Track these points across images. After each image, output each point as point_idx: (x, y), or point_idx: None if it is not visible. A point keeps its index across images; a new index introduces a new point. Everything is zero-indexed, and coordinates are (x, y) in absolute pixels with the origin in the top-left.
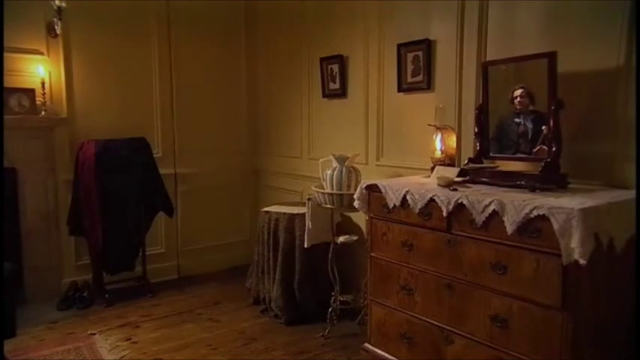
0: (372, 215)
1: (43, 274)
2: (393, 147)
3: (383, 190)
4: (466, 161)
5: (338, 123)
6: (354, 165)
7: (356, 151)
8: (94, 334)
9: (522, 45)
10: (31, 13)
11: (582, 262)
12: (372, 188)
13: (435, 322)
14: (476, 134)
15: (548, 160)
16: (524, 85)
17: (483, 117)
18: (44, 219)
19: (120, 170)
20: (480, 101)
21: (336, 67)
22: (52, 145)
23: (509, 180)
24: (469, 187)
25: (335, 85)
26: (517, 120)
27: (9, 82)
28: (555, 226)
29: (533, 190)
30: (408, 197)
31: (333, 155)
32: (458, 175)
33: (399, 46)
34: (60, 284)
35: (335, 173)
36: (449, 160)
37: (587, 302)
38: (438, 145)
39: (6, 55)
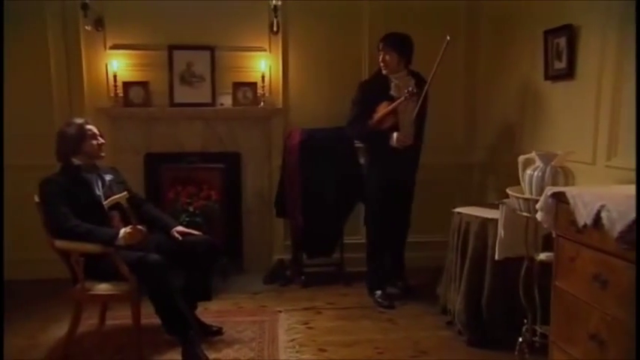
0: (558, 233)
1: (257, 248)
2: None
3: (571, 202)
4: None
5: (561, 111)
6: (566, 165)
7: (581, 146)
8: (281, 311)
9: None
10: (257, 14)
11: None
12: (560, 197)
13: None
14: None
15: None
16: None
17: None
18: (260, 200)
19: (321, 158)
20: None
21: (562, 41)
22: (268, 134)
23: None
24: None
25: (561, 64)
26: None
27: (237, 77)
28: None
29: None
30: (602, 214)
31: (537, 152)
32: None
33: None
34: (270, 259)
35: (536, 174)
36: None
37: None
38: None
39: (236, 53)
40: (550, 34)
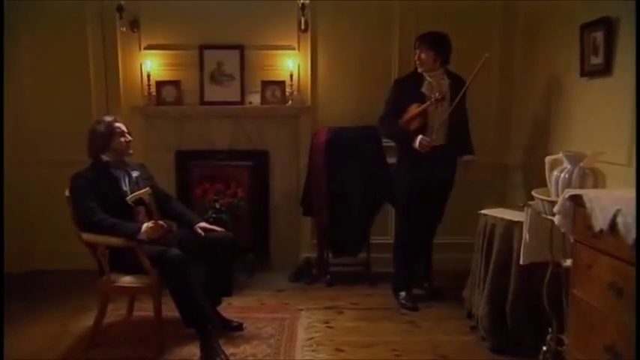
0: (576, 238)
1: (284, 246)
2: None
3: (588, 205)
4: None
5: (597, 109)
6: (597, 166)
7: (617, 146)
8: (302, 309)
9: None
10: (286, 12)
11: None
12: (578, 200)
13: None
14: None
15: None
16: None
17: None
18: (288, 198)
19: (348, 157)
20: None
21: (599, 35)
22: (296, 132)
23: None
24: None
25: (597, 60)
26: None
27: (266, 76)
28: None
29: None
30: (618, 219)
31: (564, 152)
32: None
33: None
34: (297, 257)
35: (562, 175)
36: None
37: None
38: None
39: (265, 52)
40: (586, 28)
